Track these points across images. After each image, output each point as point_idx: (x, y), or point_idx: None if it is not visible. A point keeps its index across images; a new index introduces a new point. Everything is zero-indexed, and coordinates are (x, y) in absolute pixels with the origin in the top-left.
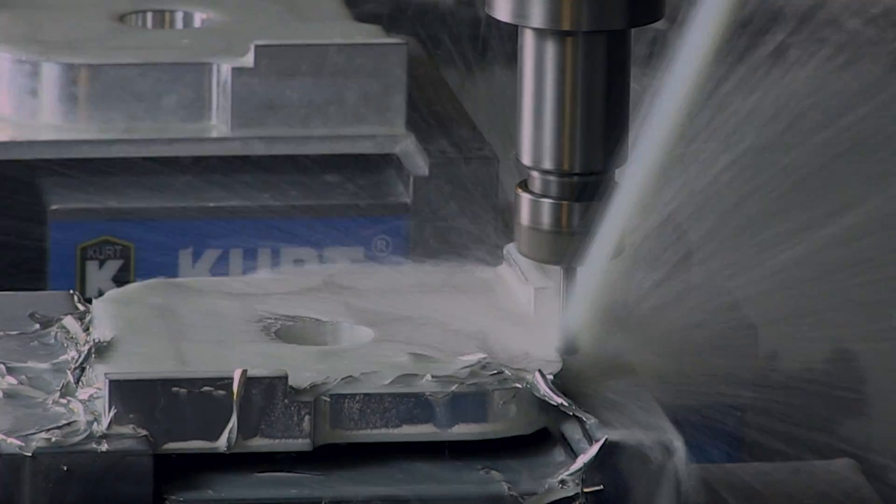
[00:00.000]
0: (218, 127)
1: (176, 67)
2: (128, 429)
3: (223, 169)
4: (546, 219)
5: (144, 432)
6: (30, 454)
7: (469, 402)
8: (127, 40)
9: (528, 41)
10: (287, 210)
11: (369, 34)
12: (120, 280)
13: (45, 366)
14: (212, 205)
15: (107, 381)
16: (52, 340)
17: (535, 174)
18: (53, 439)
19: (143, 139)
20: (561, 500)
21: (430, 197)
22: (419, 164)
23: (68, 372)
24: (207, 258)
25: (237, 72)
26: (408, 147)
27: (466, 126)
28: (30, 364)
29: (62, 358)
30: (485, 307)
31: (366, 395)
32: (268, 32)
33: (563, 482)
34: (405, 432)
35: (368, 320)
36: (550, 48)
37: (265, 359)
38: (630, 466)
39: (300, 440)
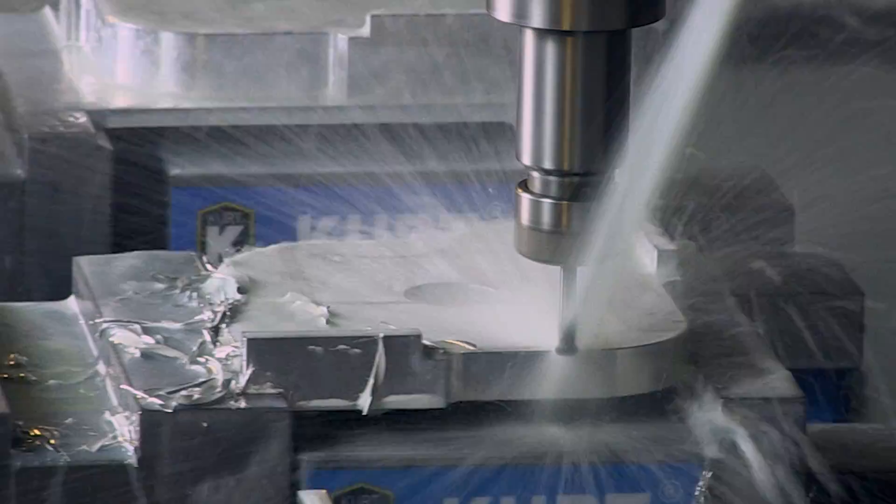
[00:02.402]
0: (334, 96)
1: (293, 37)
2: (265, 387)
3: (340, 137)
4: (546, 219)
5: (281, 390)
6: (170, 412)
7: (597, 360)
8: (245, 10)
9: (528, 41)
10: (403, 177)
11: (482, 3)
12: (240, 246)
13: (178, 326)
14: (329, 172)
15: (244, 339)
16: (185, 301)
17: (535, 174)
18: (194, 397)
19: (262, 107)
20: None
21: None
22: None
23: (204, 331)
24: (325, 225)
25: (354, 41)
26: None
27: None
28: (164, 324)
29: (196, 318)
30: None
31: (497, 353)
32: (383, 2)
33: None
34: (535, 391)
35: (494, 281)
36: (550, 48)
37: (398, 318)
38: (750, 422)
39: (434, 397)
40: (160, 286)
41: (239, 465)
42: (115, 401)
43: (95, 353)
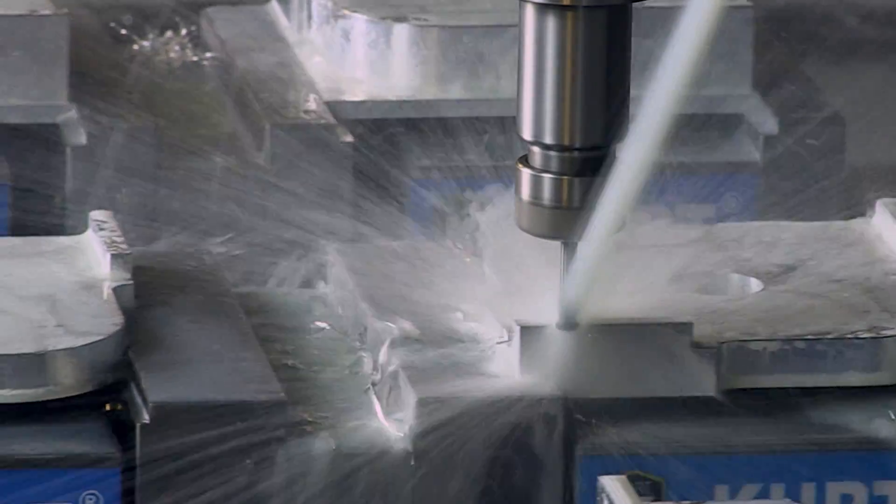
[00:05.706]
0: None
1: None
2: (538, 375)
3: None
4: (547, 194)
5: (554, 379)
6: (442, 400)
7: (861, 349)
8: (476, 2)
9: (528, 16)
10: None
11: None
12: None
13: (441, 312)
14: None
15: (517, 328)
16: (442, 287)
17: (535, 149)
18: (466, 385)
19: (497, 99)
20: None
21: (779, 155)
22: (768, 124)
23: (470, 319)
24: None
25: None
26: (755, 106)
27: (808, 86)
28: (428, 311)
29: (458, 304)
30: (863, 258)
31: (766, 341)
32: None
33: None
34: (803, 378)
35: (754, 271)
36: (551, 22)
37: (664, 307)
38: None
39: (704, 386)
40: (414, 273)
41: (513, 453)
42: (383, 388)
43: (357, 340)
